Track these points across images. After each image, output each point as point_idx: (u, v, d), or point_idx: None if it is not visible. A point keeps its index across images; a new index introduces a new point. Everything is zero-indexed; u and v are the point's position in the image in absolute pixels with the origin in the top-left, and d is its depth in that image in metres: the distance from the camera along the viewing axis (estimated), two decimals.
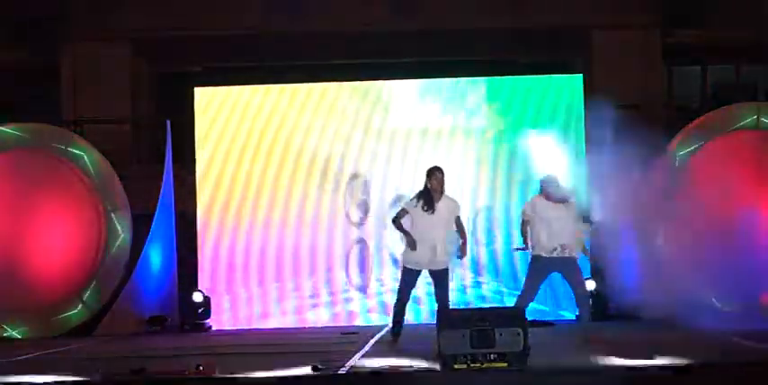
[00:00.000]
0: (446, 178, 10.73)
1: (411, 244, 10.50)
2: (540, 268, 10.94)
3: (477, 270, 14.51)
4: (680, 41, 15.88)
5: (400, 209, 10.93)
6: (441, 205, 10.56)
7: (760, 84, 16.76)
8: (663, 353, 8.63)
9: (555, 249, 10.85)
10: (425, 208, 10.52)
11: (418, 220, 10.57)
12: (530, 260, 11.14)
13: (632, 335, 11.38)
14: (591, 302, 11.44)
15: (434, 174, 10.66)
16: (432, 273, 10.62)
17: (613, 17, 15.58)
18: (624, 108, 14.95)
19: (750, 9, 15.57)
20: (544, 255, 10.87)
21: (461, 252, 10.80)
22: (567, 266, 10.89)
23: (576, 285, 10.99)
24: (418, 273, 10.63)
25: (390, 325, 11.06)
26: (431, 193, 10.58)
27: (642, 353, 8.63)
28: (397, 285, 11.02)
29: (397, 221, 10.71)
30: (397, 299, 10.76)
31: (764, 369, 7.83)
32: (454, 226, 10.70)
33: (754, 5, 15.56)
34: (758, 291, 13.03)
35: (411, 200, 10.80)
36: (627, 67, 15.50)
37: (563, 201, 10.99)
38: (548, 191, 11.01)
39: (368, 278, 14.60)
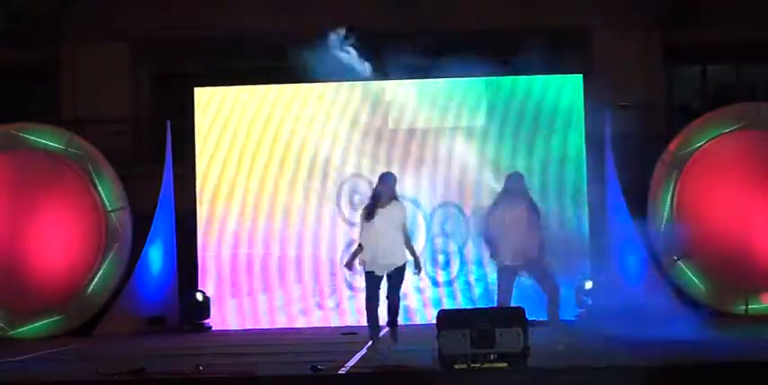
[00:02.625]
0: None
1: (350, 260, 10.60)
2: (505, 277, 10.45)
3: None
4: (680, 41, 15.87)
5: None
6: (384, 211, 10.46)
7: (760, 84, 16.76)
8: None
9: (516, 255, 10.36)
10: (366, 215, 10.50)
11: (364, 226, 10.53)
12: (497, 270, 10.71)
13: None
14: (558, 302, 10.71)
15: (385, 179, 10.61)
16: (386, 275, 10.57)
17: (613, 17, 15.57)
18: (624, 108, 14.97)
19: (750, 9, 15.57)
20: (507, 263, 10.42)
21: (416, 269, 10.58)
22: (531, 269, 10.41)
23: (543, 286, 10.54)
24: (378, 277, 10.52)
25: (368, 328, 10.87)
26: (375, 200, 10.54)
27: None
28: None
29: (348, 264, 10.72)
30: (366, 304, 10.68)
31: (764, 369, 7.84)
32: (402, 230, 10.51)
33: (754, 5, 15.56)
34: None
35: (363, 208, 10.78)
36: (627, 67, 15.49)
37: (522, 201, 10.51)
38: (507, 189, 10.55)
39: (362, 279, 14.56)
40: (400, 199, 10.73)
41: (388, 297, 10.47)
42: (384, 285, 10.50)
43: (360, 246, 10.55)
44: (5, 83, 16.70)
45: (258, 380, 8.08)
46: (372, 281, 10.49)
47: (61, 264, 14.16)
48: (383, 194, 10.51)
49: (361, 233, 10.57)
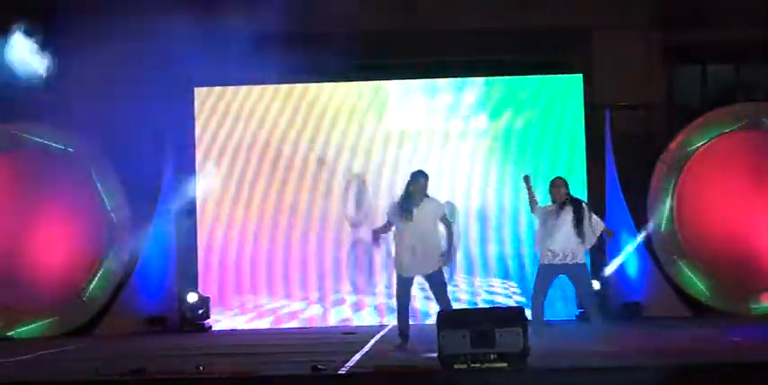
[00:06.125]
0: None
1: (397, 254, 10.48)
2: (546, 275, 10.58)
3: (471, 270, 14.53)
4: (680, 41, 15.86)
5: (386, 219, 10.62)
6: (421, 209, 10.34)
7: (760, 84, 16.76)
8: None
9: (558, 256, 10.48)
10: (404, 214, 10.33)
11: (400, 226, 10.38)
12: (537, 267, 10.81)
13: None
14: (599, 305, 10.84)
15: (416, 178, 10.46)
16: (425, 277, 10.46)
17: (613, 17, 15.57)
18: (624, 108, 14.97)
19: (750, 9, 15.57)
20: (546, 262, 10.54)
21: (446, 258, 10.40)
22: (573, 272, 10.55)
23: (583, 291, 10.73)
24: (410, 279, 10.45)
25: (398, 330, 10.81)
26: (410, 198, 10.39)
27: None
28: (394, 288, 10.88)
29: (375, 232, 10.59)
30: (397, 305, 10.58)
31: (765, 369, 7.83)
32: (441, 228, 10.46)
33: (754, 5, 15.56)
34: None
35: (392, 206, 10.63)
36: (627, 67, 15.49)
37: (567, 204, 10.64)
38: (551, 194, 10.73)
39: (364, 279, 14.59)
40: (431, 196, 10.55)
41: (438, 303, 10.30)
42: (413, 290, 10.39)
43: (384, 227, 10.41)
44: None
45: (258, 380, 8.07)
46: (403, 283, 10.36)
47: (61, 263, 14.17)
48: (416, 193, 10.38)
49: (396, 234, 10.43)
